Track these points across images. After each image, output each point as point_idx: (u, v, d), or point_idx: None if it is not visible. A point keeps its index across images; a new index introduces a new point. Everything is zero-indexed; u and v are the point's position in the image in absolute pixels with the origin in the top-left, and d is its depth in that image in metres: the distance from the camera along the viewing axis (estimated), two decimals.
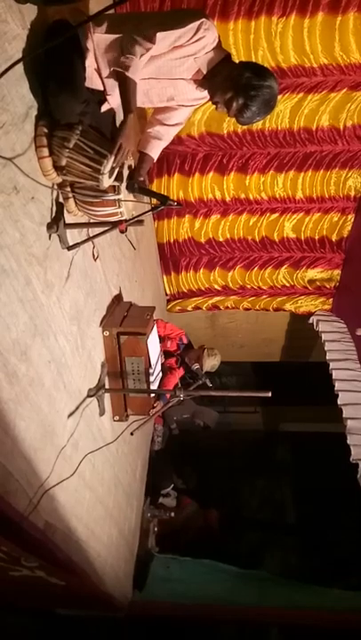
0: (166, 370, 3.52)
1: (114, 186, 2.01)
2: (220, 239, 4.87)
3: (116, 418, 2.88)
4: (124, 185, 2.04)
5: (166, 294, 5.46)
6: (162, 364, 3.47)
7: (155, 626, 4.18)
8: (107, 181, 1.90)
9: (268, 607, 3.84)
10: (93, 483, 2.65)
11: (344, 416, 4.54)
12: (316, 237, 4.90)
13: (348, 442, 4.35)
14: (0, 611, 2.98)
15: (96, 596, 2.66)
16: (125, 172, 2.05)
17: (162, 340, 3.55)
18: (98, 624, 3.94)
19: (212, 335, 5.74)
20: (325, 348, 5.14)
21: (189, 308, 5.47)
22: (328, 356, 5.05)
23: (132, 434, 2.59)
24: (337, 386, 4.81)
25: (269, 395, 2.90)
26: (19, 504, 1.80)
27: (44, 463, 2.00)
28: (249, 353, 6.22)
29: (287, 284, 5.30)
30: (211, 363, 3.80)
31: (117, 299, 3.00)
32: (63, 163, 1.83)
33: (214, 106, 1.96)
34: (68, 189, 1.98)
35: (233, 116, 1.91)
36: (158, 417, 4.66)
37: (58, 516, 2.17)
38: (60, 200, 2.02)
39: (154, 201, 2.22)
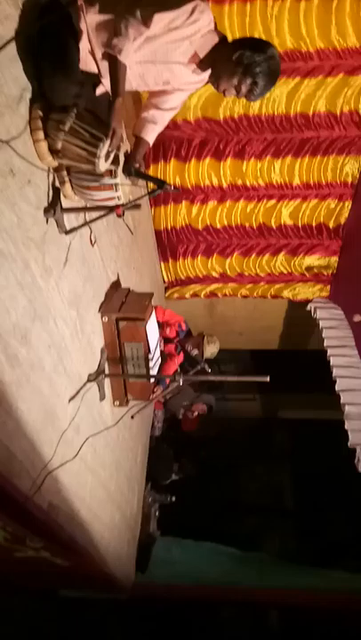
0: (166, 356, 3.54)
1: (110, 170, 2.02)
2: (218, 226, 4.87)
3: (117, 403, 2.90)
4: (120, 169, 2.04)
5: (164, 282, 5.47)
6: (161, 351, 3.49)
7: (157, 607, 4.26)
8: (103, 165, 1.90)
9: (268, 588, 3.91)
10: (95, 466, 2.68)
11: (342, 402, 4.59)
12: (314, 224, 4.90)
13: (346, 427, 4.40)
14: (5, 592, 3.03)
15: (99, 576, 2.71)
16: (122, 156, 2.05)
17: (161, 326, 3.57)
18: (101, 605, 4.01)
19: (211, 323, 5.76)
20: (323, 335, 5.17)
21: (187, 296, 5.48)
22: (326, 343, 5.08)
23: (132, 417, 2.62)
24: (335, 372, 4.85)
25: (268, 379, 2.92)
26: (22, 485, 1.83)
27: (47, 446, 2.03)
28: (247, 341, 6.24)
29: (285, 271, 5.30)
30: (210, 350, 3.82)
31: (115, 285, 3.01)
32: (59, 146, 1.83)
33: (222, 93, 1.97)
34: (65, 173, 1.98)
35: (243, 97, 1.94)
36: (158, 403, 4.70)
37: (61, 498, 2.20)
38: (57, 184, 2.03)
39: (151, 185, 2.23)
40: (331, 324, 5.28)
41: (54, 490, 2.13)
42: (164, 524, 4.36)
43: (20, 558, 2.41)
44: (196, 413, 4.97)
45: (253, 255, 5.10)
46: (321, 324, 5.26)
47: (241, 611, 5.03)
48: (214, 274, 5.30)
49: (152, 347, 2.90)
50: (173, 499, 4.49)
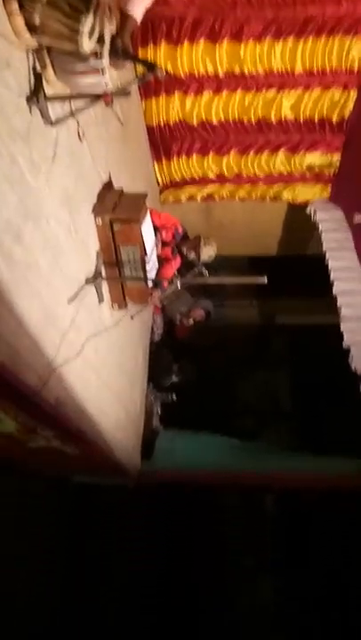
0: (162, 261, 3.51)
1: (96, 52, 1.84)
2: (214, 121, 4.55)
3: (115, 306, 2.94)
4: (106, 49, 1.86)
5: (158, 184, 5.25)
6: (158, 256, 3.45)
7: (161, 493, 4.68)
8: (86, 44, 1.73)
9: (264, 473, 4.23)
10: (98, 367, 2.79)
11: (339, 304, 4.65)
12: (316, 118, 4.60)
13: (341, 328, 4.50)
14: (20, 478, 3.29)
15: (108, 464, 2.95)
16: (107, 36, 1.86)
17: (157, 230, 3.49)
18: (110, 492, 4.40)
19: (208, 229, 5.62)
20: (322, 238, 5.09)
21: (183, 199, 5.28)
22: (325, 246, 5.02)
23: (132, 317, 2.67)
24: (333, 275, 4.85)
25: (265, 280, 2.93)
26: (29, 380, 1.92)
27: (50, 345, 2.09)
28: (245, 246, 6.15)
29: (284, 171, 5.07)
30: (207, 252, 3.77)
31: (108, 186, 2.90)
32: (37, 21, 1.65)
33: None
34: (45, 54, 1.81)
35: None
36: (157, 308, 4.76)
37: (67, 394, 2.32)
38: (38, 68, 1.86)
39: (140, 70, 2.05)
40: (330, 225, 5.18)
41: (60, 386, 2.24)
42: (167, 419, 4.62)
43: (33, 449, 2.60)
44: (191, 320, 5.04)
45: (251, 153, 4.84)
46: (320, 226, 5.15)
47: (239, 494, 5.54)
48: (211, 174, 5.06)
49: (148, 250, 2.87)
50: (175, 397, 4.72)
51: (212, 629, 5.48)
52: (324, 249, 5.01)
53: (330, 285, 4.77)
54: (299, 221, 5.55)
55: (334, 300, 4.69)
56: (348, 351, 4.39)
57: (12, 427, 2.14)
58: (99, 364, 2.79)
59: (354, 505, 4.69)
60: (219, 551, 5.82)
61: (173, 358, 5.13)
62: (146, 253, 2.80)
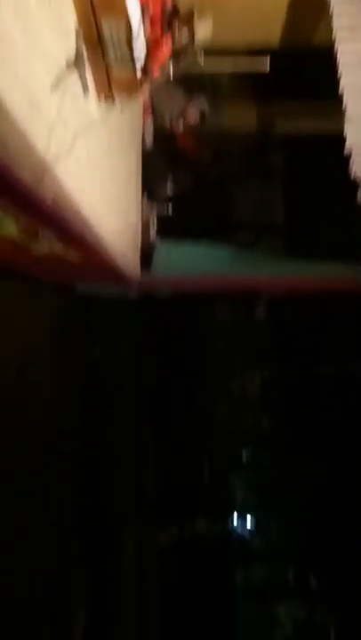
0: (151, 45, 3.02)
1: None
2: None
3: (102, 97, 2.65)
4: None
5: None
6: (146, 39, 2.95)
7: (162, 303, 4.93)
8: None
9: (260, 278, 4.39)
10: (92, 169, 2.68)
11: (344, 101, 4.20)
12: None
13: (345, 130, 4.16)
14: (27, 289, 3.37)
15: (108, 269, 3.03)
16: None
17: (142, 9, 2.92)
18: (114, 303, 4.60)
19: (199, 12, 4.76)
20: (333, 14, 4.32)
21: None
22: (335, 24, 4.28)
23: (121, 111, 2.44)
24: (341, 64, 4.26)
25: (267, 66, 2.62)
26: (24, 177, 1.85)
27: (38, 138, 1.97)
28: (244, 33, 5.23)
29: None
30: (202, 30, 3.21)
31: None
32: None
33: None
34: None
35: None
36: (147, 109, 4.31)
37: (63, 197, 2.27)
38: None
39: None
40: None
41: (56, 187, 2.18)
42: (163, 231, 4.58)
43: (38, 257, 2.64)
44: (183, 123, 4.60)
45: None
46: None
47: (235, 300, 5.88)
48: None
49: (134, 26, 2.46)
50: (170, 210, 4.61)
51: (210, 412, 6.47)
52: (334, 29, 4.29)
53: (337, 83, 4.22)
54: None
55: (340, 99, 4.21)
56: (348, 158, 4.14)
57: (14, 229, 2.13)
58: (92, 167, 2.67)
59: (342, 306, 5.05)
60: (214, 353, 6.51)
61: (168, 168, 4.85)
62: (131, 28, 2.41)
